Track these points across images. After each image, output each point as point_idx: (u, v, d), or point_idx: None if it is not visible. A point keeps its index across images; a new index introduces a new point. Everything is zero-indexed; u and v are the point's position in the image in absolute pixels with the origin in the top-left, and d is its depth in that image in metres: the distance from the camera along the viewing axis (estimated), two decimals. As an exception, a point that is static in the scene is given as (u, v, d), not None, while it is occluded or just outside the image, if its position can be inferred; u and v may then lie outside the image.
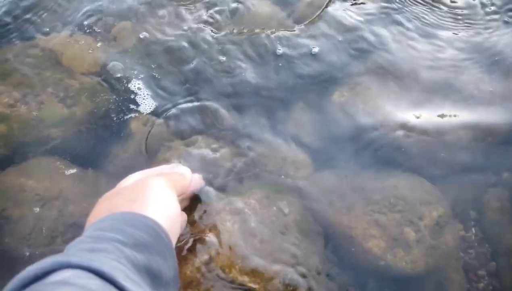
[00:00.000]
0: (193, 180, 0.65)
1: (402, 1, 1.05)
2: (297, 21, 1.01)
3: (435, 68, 0.92)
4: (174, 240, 0.53)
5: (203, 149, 0.79)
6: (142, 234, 0.47)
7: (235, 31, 0.98)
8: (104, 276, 0.38)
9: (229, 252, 0.64)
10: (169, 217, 0.53)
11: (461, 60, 0.93)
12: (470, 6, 1.03)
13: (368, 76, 0.90)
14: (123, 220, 0.48)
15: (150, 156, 0.78)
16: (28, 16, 1.01)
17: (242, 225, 0.67)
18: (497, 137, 0.83)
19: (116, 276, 0.38)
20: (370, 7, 1.04)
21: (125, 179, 0.61)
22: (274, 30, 0.98)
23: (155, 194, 0.54)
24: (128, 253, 0.44)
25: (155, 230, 0.49)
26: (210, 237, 0.66)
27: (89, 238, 0.45)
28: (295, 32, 0.98)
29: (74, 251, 0.43)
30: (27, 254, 0.67)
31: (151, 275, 0.45)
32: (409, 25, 1.00)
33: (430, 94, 0.88)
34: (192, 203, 0.69)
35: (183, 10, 1.02)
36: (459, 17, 1.01)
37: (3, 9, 1.02)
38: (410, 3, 1.04)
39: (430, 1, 1.04)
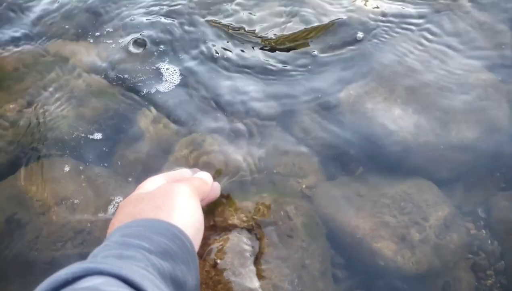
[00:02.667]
0: (213, 187, 0.66)
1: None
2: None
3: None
4: (196, 248, 0.53)
5: (211, 151, 0.79)
6: (168, 242, 0.47)
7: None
8: (134, 285, 0.38)
9: (236, 257, 0.64)
10: (193, 225, 0.53)
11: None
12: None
13: (377, 79, 0.90)
14: (150, 227, 0.48)
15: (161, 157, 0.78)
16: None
17: (249, 228, 0.67)
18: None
19: (145, 285, 0.38)
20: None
21: (145, 181, 0.61)
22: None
23: (181, 202, 0.54)
24: (154, 261, 0.44)
25: (180, 239, 0.49)
26: (218, 241, 0.66)
27: (116, 244, 0.45)
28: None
29: (102, 258, 0.43)
30: (36, 258, 0.67)
31: (175, 283, 0.45)
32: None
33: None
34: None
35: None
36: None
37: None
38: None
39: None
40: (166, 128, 0.83)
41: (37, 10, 1.05)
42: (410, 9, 1.01)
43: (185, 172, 0.67)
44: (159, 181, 0.61)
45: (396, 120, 0.82)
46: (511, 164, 0.79)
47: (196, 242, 0.53)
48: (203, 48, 0.95)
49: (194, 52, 0.95)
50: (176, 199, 0.54)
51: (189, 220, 0.53)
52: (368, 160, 0.79)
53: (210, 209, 0.69)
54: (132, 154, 0.79)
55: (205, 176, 0.65)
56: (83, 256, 0.66)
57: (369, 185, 0.76)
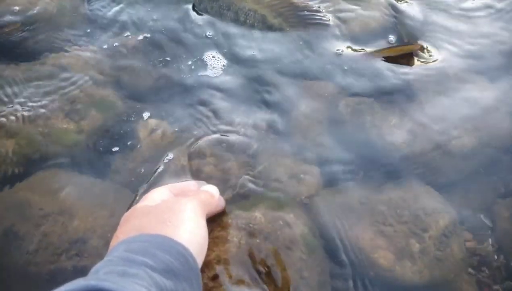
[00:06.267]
0: (220, 200, 0.65)
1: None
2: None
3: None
4: (200, 265, 0.53)
5: (208, 160, 0.79)
6: (172, 260, 0.47)
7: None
8: None
9: (235, 268, 0.64)
10: (198, 242, 0.53)
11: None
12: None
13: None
14: (155, 243, 0.48)
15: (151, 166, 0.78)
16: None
17: (248, 240, 0.67)
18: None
19: None
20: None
21: (151, 192, 0.61)
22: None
23: (187, 219, 0.54)
24: (157, 280, 0.44)
25: (184, 257, 0.49)
26: (217, 252, 0.65)
27: (119, 260, 0.45)
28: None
29: (104, 274, 0.43)
30: (33, 271, 0.67)
31: None
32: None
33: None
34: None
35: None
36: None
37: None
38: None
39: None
40: (166, 138, 0.82)
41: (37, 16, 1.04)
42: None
43: (191, 184, 0.66)
44: (164, 192, 0.61)
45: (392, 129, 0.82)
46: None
47: (200, 259, 0.53)
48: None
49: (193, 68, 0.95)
50: (182, 215, 0.53)
51: (194, 237, 0.52)
52: (366, 167, 0.79)
53: (209, 218, 0.69)
54: (131, 164, 0.79)
55: (212, 190, 0.64)
56: (83, 268, 0.67)
57: (368, 193, 0.76)
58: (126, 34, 1.01)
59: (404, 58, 0.93)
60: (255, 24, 0.99)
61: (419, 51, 0.93)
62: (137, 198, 0.73)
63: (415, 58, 0.93)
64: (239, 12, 1.01)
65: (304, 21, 1.00)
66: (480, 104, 0.87)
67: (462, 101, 0.87)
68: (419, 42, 0.98)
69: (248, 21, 1.00)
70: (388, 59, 0.93)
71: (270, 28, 0.99)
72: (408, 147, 0.81)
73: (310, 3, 1.05)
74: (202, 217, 0.57)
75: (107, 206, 0.73)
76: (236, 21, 1.02)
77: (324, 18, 1.01)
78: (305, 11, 1.01)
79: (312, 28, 1.00)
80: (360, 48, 0.97)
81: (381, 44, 0.98)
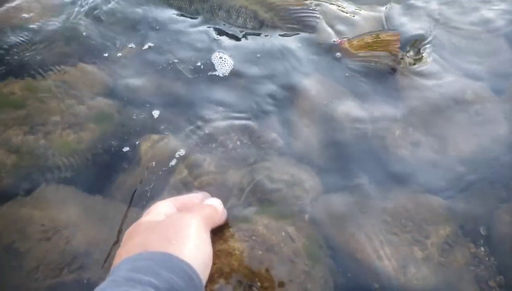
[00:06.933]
0: (223, 213, 0.65)
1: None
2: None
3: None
4: (204, 282, 0.53)
5: (210, 171, 0.78)
6: (177, 279, 0.46)
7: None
8: None
9: (238, 281, 0.63)
10: (202, 260, 0.53)
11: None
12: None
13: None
14: (160, 262, 0.48)
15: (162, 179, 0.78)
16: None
17: (251, 252, 0.66)
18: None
19: None
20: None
21: (154, 206, 0.60)
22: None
23: (192, 235, 0.53)
24: None
25: (189, 275, 0.48)
26: (219, 265, 0.65)
27: (124, 280, 0.45)
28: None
29: None
30: (34, 287, 0.66)
31: None
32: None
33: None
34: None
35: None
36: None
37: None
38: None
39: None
40: (166, 150, 0.82)
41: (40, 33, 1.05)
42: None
43: (194, 196, 0.66)
44: (167, 206, 0.60)
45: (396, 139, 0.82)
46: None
47: (204, 276, 0.53)
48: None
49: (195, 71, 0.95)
50: (186, 232, 0.53)
51: (199, 255, 0.52)
52: (369, 176, 0.79)
53: (211, 230, 0.68)
54: (132, 178, 0.79)
55: (216, 203, 0.64)
56: (85, 280, 0.66)
57: (371, 201, 0.75)
58: (124, 46, 1.01)
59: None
60: (247, 20, 1.02)
61: (397, 43, 0.94)
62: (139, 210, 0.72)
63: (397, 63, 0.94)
64: (230, 10, 1.03)
65: (294, 15, 1.02)
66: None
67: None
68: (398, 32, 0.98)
69: (240, 18, 1.02)
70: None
71: (262, 23, 1.01)
72: (412, 155, 0.81)
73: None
74: (207, 233, 0.56)
75: (108, 220, 0.73)
76: (229, 19, 1.03)
77: (315, 12, 1.04)
78: (295, 6, 1.04)
79: (302, 22, 1.02)
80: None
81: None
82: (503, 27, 1.04)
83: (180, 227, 0.54)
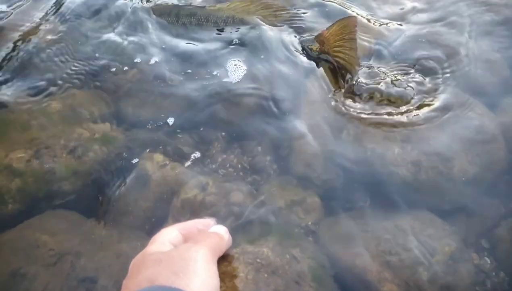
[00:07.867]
0: (229, 240, 0.65)
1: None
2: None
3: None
4: None
5: (212, 192, 0.79)
6: None
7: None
8: None
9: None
10: None
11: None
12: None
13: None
14: None
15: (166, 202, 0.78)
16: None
17: (256, 275, 0.66)
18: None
19: None
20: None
21: (159, 234, 0.60)
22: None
23: (199, 268, 0.53)
24: None
25: None
26: (224, 288, 0.65)
27: None
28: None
29: None
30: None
31: None
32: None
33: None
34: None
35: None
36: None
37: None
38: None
39: None
40: (171, 172, 0.83)
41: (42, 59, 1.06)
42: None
43: (199, 222, 0.66)
44: (173, 234, 0.60)
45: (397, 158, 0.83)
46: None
47: None
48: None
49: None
50: (194, 265, 0.53)
51: (206, 288, 0.52)
52: (371, 195, 0.79)
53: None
54: (136, 202, 0.79)
55: (222, 231, 0.64)
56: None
57: (373, 221, 0.76)
58: (126, 68, 1.03)
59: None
60: (236, 27, 1.07)
61: (355, 24, 0.96)
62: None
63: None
64: (218, 21, 1.07)
65: (279, 18, 1.09)
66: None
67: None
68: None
69: (228, 27, 1.07)
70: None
71: (251, 27, 1.06)
72: (412, 174, 0.82)
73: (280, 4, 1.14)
74: (214, 263, 0.57)
75: (113, 246, 0.74)
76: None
77: (297, 14, 1.11)
78: (279, 10, 1.10)
79: (286, 23, 1.09)
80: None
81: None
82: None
83: (187, 259, 0.54)
